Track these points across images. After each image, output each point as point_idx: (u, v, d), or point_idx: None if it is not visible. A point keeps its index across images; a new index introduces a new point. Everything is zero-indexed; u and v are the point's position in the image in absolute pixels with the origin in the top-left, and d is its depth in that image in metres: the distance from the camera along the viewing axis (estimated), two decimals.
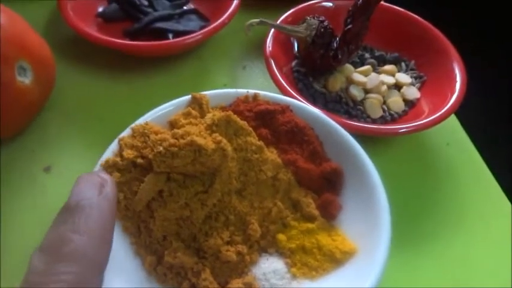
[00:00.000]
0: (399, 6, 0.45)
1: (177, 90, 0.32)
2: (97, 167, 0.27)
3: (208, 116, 0.28)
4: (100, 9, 0.46)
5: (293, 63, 0.42)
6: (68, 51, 0.43)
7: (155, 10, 0.45)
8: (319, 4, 0.43)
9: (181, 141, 0.25)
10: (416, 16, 0.44)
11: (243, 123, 0.28)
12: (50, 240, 0.19)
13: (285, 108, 0.32)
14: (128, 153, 0.27)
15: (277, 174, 0.29)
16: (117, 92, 0.41)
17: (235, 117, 0.28)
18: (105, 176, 0.22)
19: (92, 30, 0.41)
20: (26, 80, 0.32)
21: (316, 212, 0.29)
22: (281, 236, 0.28)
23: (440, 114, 0.36)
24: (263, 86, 0.43)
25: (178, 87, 0.42)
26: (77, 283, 0.17)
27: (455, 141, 0.40)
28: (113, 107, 0.40)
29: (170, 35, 0.43)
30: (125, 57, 0.43)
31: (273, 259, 0.27)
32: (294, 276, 0.26)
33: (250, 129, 0.29)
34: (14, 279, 0.28)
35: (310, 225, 0.28)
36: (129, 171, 0.27)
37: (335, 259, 0.27)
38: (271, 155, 0.29)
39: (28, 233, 0.31)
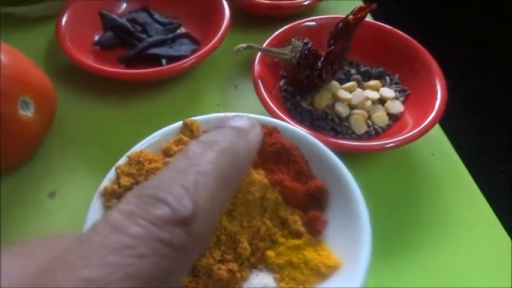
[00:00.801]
0: (383, 22, 0.47)
1: (172, 111, 0.34)
2: (96, 195, 0.29)
3: None
4: (96, 38, 0.48)
5: (281, 83, 0.44)
6: (66, 78, 0.45)
7: (149, 35, 0.47)
8: (303, 24, 0.45)
9: None
10: (400, 32, 0.46)
11: None
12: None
13: (272, 130, 0.33)
14: (125, 181, 0.29)
15: (265, 194, 0.31)
16: (115, 117, 0.43)
17: None
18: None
19: (89, 59, 0.43)
20: (28, 113, 0.35)
21: (302, 229, 0.30)
22: (270, 253, 0.30)
23: (424, 127, 0.37)
24: (254, 104, 0.45)
25: (173, 108, 0.44)
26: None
27: (440, 152, 0.42)
28: (112, 131, 0.42)
29: (164, 61, 0.45)
30: (121, 83, 0.45)
31: (263, 275, 0.29)
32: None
33: None
34: None
35: (297, 242, 0.30)
36: None
37: (320, 273, 0.28)
38: (259, 176, 0.31)
39: None
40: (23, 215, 0.36)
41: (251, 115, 0.34)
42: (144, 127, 0.32)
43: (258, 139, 0.24)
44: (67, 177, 0.38)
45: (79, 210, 0.35)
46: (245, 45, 0.39)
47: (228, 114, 0.34)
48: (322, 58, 0.40)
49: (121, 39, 0.47)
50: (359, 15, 0.38)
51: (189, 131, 0.33)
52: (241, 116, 0.24)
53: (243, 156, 0.22)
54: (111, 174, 0.30)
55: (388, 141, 0.37)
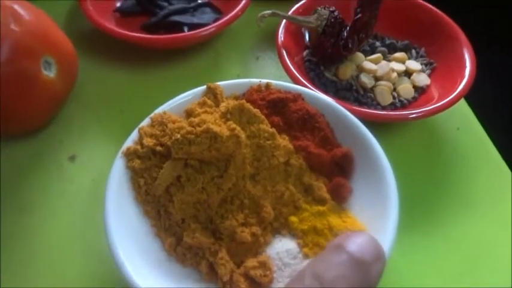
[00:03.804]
0: None
1: (192, 81, 0.33)
2: (119, 155, 0.29)
3: (223, 104, 0.30)
4: (118, 5, 0.47)
5: (304, 53, 0.43)
6: (87, 46, 0.45)
7: (170, 4, 0.47)
8: None
9: (198, 129, 0.27)
10: (426, 3, 0.44)
11: (256, 111, 0.30)
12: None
13: (297, 97, 0.33)
14: (148, 141, 0.29)
15: (289, 159, 0.30)
16: (135, 85, 0.43)
17: (248, 105, 0.29)
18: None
19: (111, 25, 0.43)
20: (50, 74, 0.34)
21: (327, 195, 0.30)
22: (293, 218, 0.29)
23: (450, 99, 0.36)
24: (275, 76, 0.44)
25: (193, 78, 0.44)
26: None
27: (465, 126, 0.41)
28: (132, 99, 0.42)
29: (185, 28, 0.44)
30: (142, 51, 0.44)
31: (286, 240, 0.29)
32: (306, 256, 0.28)
33: (263, 117, 0.30)
34: (14, 279, 0.30)
35: (321, 208, 0.29)
36: (149, 159, 0.29)
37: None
38: (283, 141, 0.31)
39: (57, 215, 0.34)
40: (44, 177, 0.36)
41: (275, 81, 0.34)
42: (164, 95, 0.32)
43: (381, 276, 0.19)
44: (86, 141, 0.38)
45: (98, 174, 0.36)
46: (270, 11, 0.39)
47: (251, 80, 0.34)
48: (348, 27, 0.39)
49: (142, 6, 0.46)
50: None
51: (213, 95, 0.32)
52: (363, 237, 0.20)
53: None
54: (133, 135, 0.30)
55: (413, 111, 0.36)
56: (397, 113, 0.36)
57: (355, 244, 0.19)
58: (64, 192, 0.35)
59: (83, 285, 0.30)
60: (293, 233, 0.29)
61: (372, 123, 0.31)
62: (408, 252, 0.32)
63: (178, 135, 0.27)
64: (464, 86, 0.37)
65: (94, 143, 0.38)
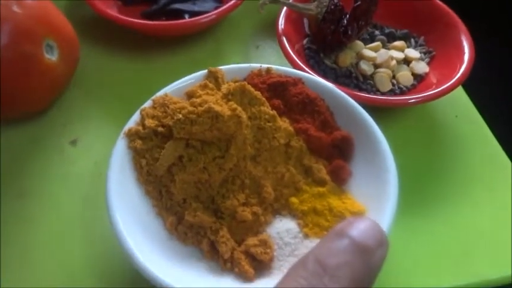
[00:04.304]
0: None
1: (192, 69, 0.34)
2: (121, 136, 0.29)
3: (224, 86, 0.30)
4: None
5: (304, 41, 0.43)
6: (89, 32, 0.45)
7: None
8: None
9: (199, 108, 0.27)
10: None
11: (257, 93, 0.30)
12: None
13: (297, 81, 0.33)
14: (150, 122, 0.29)
15: (290, 141, 0.31)
16: (136, 71, 0.43)
17: (249, 87, 0.29)
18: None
19: (112, 12, 0.43)
20: (52, 57, 0.35)
21: (327, 177, 0.30)
22: (293, 199, 0.30)
23: (450, 85, 0.37)
24: (275, 65, 0.44)
25: (193, 66, 0.43)
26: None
27: (463, 114, 0.41)
28: (132, 85, 0.42)
29: (186, 16, 0.44)
30: (143, 38, 0.45)
31: (286, 220, 0.29)
32: (306, 236, 0.28)
33: (264, 99, 0.30)
34: (14, 279, 0.30)
35: (321, 189, 0.30)
36: (151, 139, 0.29)
37: (345, 219, 0.28)
38: (284, 123, 0.31)
39: (58, 199, 0.34)
40: (46, 161, 0.36)
41: (275, 66, 0.34)
42: (164, 81, 0.32)
43: (383, 262, 0.19)
44: (88, 126, 0.38)
45: (99, 157, 0.36)
46: None
47: (252, 65, 0.34)
48: (348, 14, 0.40)
49: None
50: None
51: (214, 79, 0.33)
52: (366, 222, 0.20)
53: (359, 285, 0.18)
54: (135, 117, 0.30)
55: (411, 97, 0.37)
56: (397, 98, 0.37)
57: (357, 230, 0.19)
58: (66, 176, 0.35)
59: (85, 269, 0.30)
60: (293, 214, 0.29)
61: (371, 109, 0.31)
62: (405, 236, 0.33)
63: (180, 115, 0.27)
64: (464, 72, 0.37)
65: (95, 127, 0.38)
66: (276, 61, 0.45)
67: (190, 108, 0.27)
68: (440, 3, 0.43)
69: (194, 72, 0.33)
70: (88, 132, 0.38)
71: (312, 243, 0.28)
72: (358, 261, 0.18)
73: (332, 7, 0.39)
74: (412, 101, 0.36)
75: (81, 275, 0.30)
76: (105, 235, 0.31)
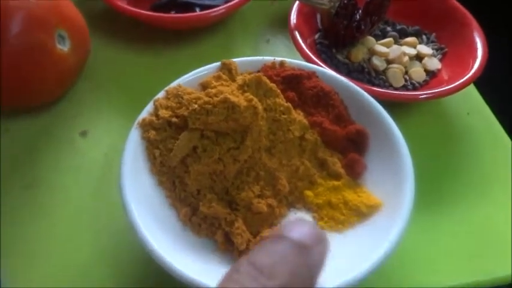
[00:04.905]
0: None
1: (201, 62, 0.33)
2: (134, 126, 0.29)
3: (240, 77, 0.30)
4: None
5: (316, 36, 0.43)
6: (100, 25, 0.45)
7: None
8: None
9: (215, 99, 0.27)
10: None
11: (272, 85, 0.30)
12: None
13: (311, 74, 0.33)
14: (163, 113, 0.29)
15: (304, 134, 0.30)
16: (145, 64, 0.43)
17: (265, 78, 0.29)
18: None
19: (123, 4, 0.42)
20: (64, 48, 0.34)
21: (342, 171, 0.30)
22: (308, 192, 0.29)
23: (463, 81, 0.36)
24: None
25: (202, 59, 0.43)
26: None
27: (475, 111, 0.41)
28: (142, 78, 0.41)
29: (197, 9, 0.44)
30: (153, 31, 0.44)
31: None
32: (321, 229, 0.28)
33: (279, 91, 0.30)
34: (23, 269, 0.30)
35: (336, 183, 0.30)
36: (164, 130, 0.29)
37: (361, 213, 0.28)
38: (298, 116, 0.31)
39: (68, 190, 0.34)
40: (56, 152, 0.35)
41: (289, 59, 0.34)
42: (174, 74, 0.32)
43: (324, 258, 0.19)
44: (98, 118, 0.38)
45: (109, 149, 0.36)
46: None
47: (265, 58, 0.34)
48: (361, 9, 0.39)
49: None
50: None
51: (227, 71, 0.32)
52: (302, 223, 0.19)
53: (301, 281, 0.18)
54: (149, 107, 0.30)
55: (423, 92, 0.36)
56: (409, 93, 0.37)
57: (293, 230, 0.19)
58: (76, 167, 0.35)
59: (94, 260, 0.30)
60: (308, 207, 0.29)
61: (383, 104, 0.31)
62: (418, 231, 0.32)
63: (196, 105, 0.27)
64: (477, 69, 0.37)
65: (106, 119, 0.38)
66: (287, 55, 0.44)
67: (206, 99, 0.27)
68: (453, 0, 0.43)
69: (205, 65, 0.33)
70: (98, 124, 0.37)
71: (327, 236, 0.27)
72: (295, 258, 0.18)
73: (345, 2, 0.39)
74: (423, 96, 0.36)
75: (91, 266, 0.30)
76: (115, 226, 0.31)
